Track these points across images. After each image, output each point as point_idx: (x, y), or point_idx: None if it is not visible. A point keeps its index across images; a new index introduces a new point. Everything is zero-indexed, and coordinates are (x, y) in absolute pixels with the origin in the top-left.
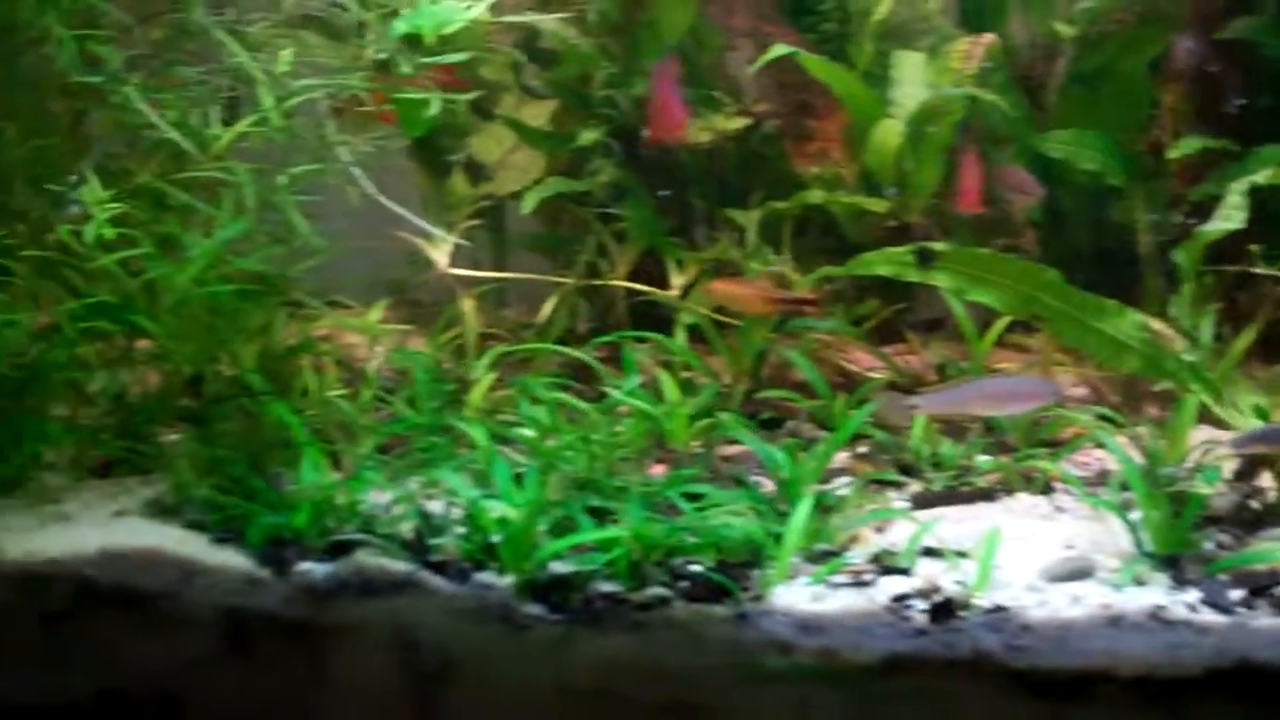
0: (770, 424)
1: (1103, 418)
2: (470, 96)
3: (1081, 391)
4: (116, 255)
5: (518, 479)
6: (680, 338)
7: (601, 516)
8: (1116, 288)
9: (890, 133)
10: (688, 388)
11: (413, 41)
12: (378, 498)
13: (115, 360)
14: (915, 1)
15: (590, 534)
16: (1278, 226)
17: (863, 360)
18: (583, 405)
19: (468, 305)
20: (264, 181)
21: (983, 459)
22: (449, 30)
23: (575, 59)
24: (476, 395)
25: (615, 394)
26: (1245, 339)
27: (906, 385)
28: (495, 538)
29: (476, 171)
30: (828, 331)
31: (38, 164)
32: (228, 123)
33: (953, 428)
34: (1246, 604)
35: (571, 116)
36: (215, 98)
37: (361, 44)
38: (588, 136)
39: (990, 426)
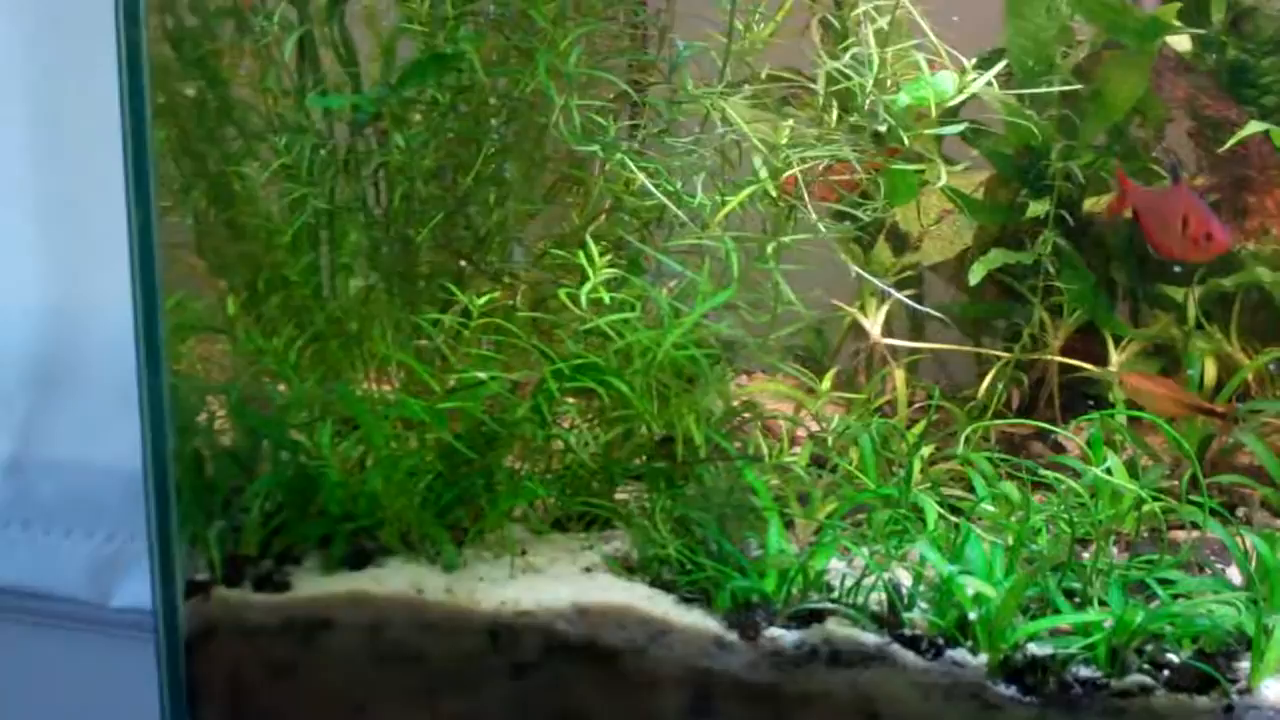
0: (1222, 510)
1: None
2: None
3: None
4: (608, 318)
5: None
6: (1120, 418)
7: (1071, 598)
8: None
9: None
10: (1132, 469)
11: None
12: (840, 567)
13: (589, 418)
14: None
15: (1071, 616)
16: None
17: None
18: (1050, 482)
19: (899, 375)
20: (748, 249)
21: None
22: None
23: (1018, 131)
24: (915, 467)
25: (1094, 472)
26: None
27: None
28: (971, 615)
29: (900, 240)
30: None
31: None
32: (721, 193)
33: None
34: None
35: (1006, 188)
36: (703, 167)
37: (859, 117)
38: (1036, 208)
39: None
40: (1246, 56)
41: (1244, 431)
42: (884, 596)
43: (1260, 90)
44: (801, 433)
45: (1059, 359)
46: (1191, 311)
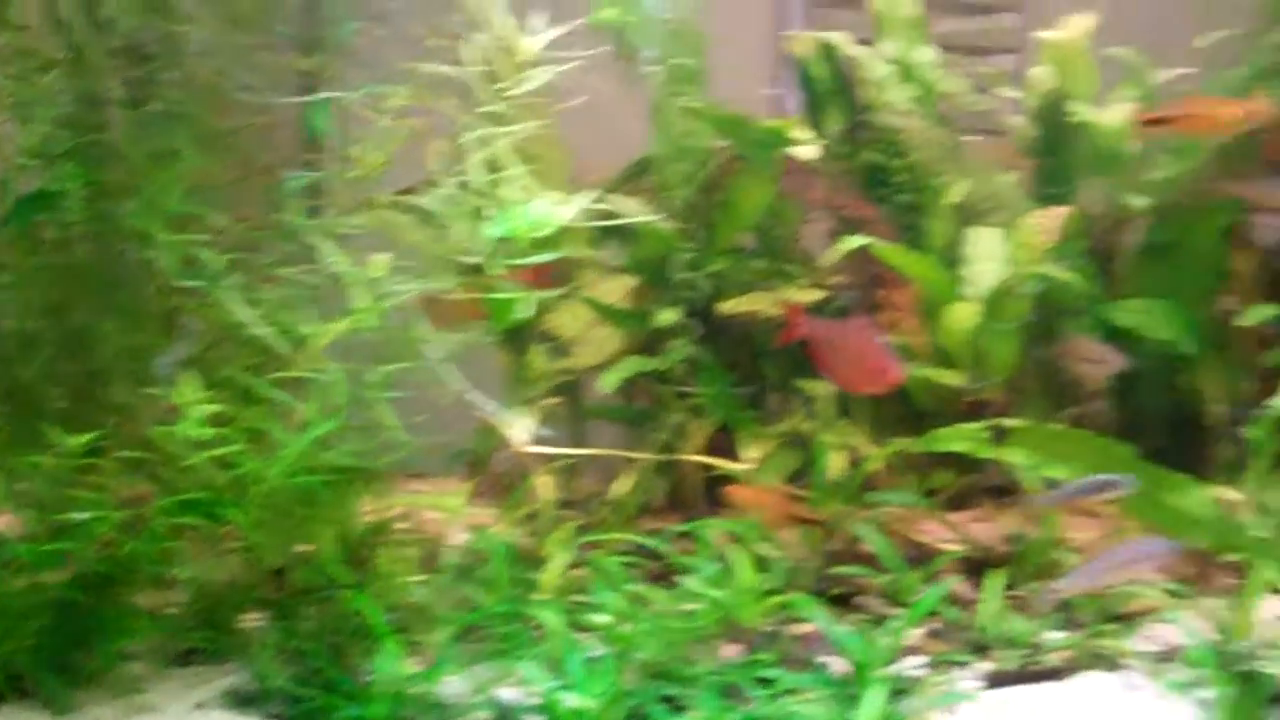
0: (841, 599)
1: (1174, 592)
2: (555, 294)
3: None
4: (208, 454)
5: (593, 666)
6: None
7: (674, 704)
8: (1190, 455)
9: (964, 314)
10: (761, 563)
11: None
12: (455, 687)
13: (200, 551)
14: (990, 179)
15: None
16: None
17: (935, 531)
18: (655, 590)
19: (543, 482)
20: (355, 377)
21: (1054, 635)
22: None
23: (654, 239)
24: (551, 576)
25: (687, 583)
26: None
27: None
28: None
29: (555, 346)
30: (900, 504)
31: (132, 360)
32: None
33: (1023, 603)
34: None
35: (649, 294)
36: (311, 297)
37: (454, 246)
38: (666, 316)
39: (1063, 601)
40: (879, 158)
41: (862, 523)
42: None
43: (893, 189)
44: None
45: (698, 459)
46: (824, 406)
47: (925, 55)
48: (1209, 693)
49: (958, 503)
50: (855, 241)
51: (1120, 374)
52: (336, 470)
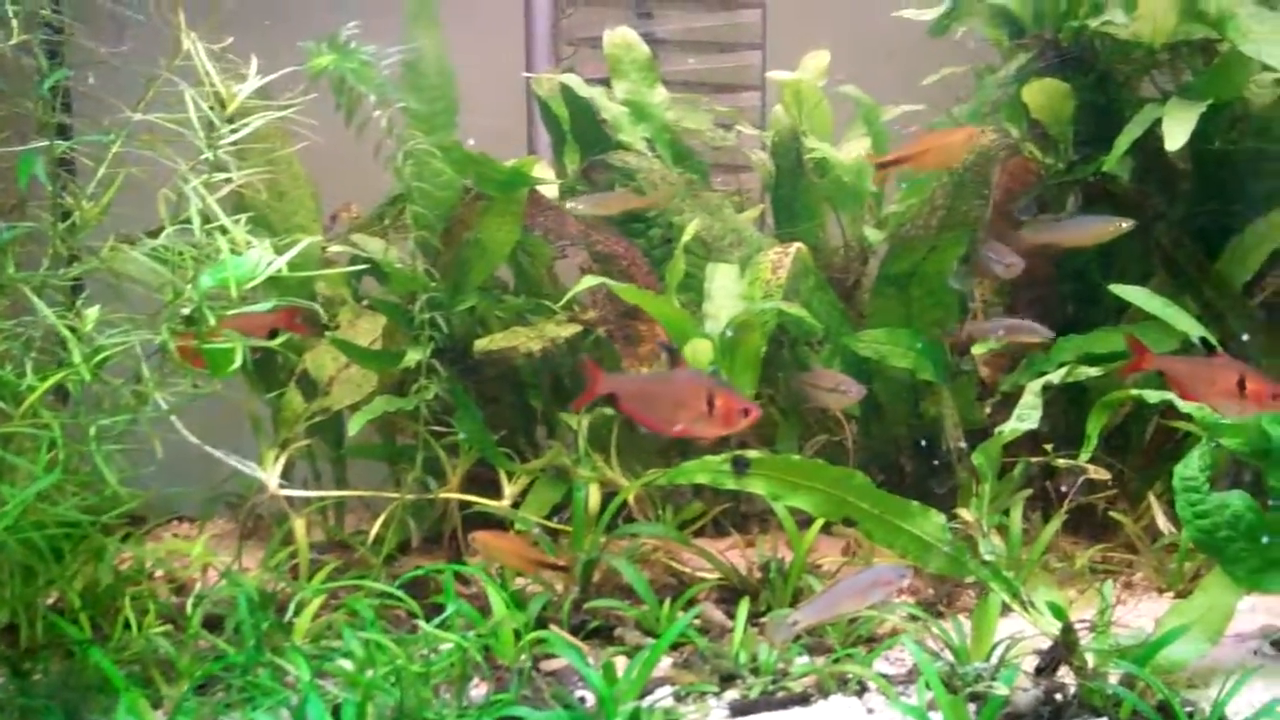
0: (600, 632)
1: (915, 615)
2: (276, 343)
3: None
4: None
5: (337, 713)
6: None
7: None
8: (933, 480)
9: (701, 350)
10: (518, 599)
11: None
12: None
13: None
14: (727, 215)
15: None
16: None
17: (692, 561)
18: (404, 634)
19: (299, 525)
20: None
21: (801, 662)
22: (254, 283)
23: (401, 279)
24: (303, 621)
25: (426, 628)
26: (1050, 529)
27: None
28: None
29: (311, 386)
30: (654, 535)
31: None
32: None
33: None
34: None
35: (401, 334)
36: (29, 350)
37: (167, 299)
38: (412, 356)
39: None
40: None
41: (616, 556)
42: None
43: (647, 224)
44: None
45: (454, 495)
46: (580, 438)
47: (658, 95)
48: (940, 715)
49: (722, 530)
50: (591, 280)
51: (867, 403)
52: (65, 524)
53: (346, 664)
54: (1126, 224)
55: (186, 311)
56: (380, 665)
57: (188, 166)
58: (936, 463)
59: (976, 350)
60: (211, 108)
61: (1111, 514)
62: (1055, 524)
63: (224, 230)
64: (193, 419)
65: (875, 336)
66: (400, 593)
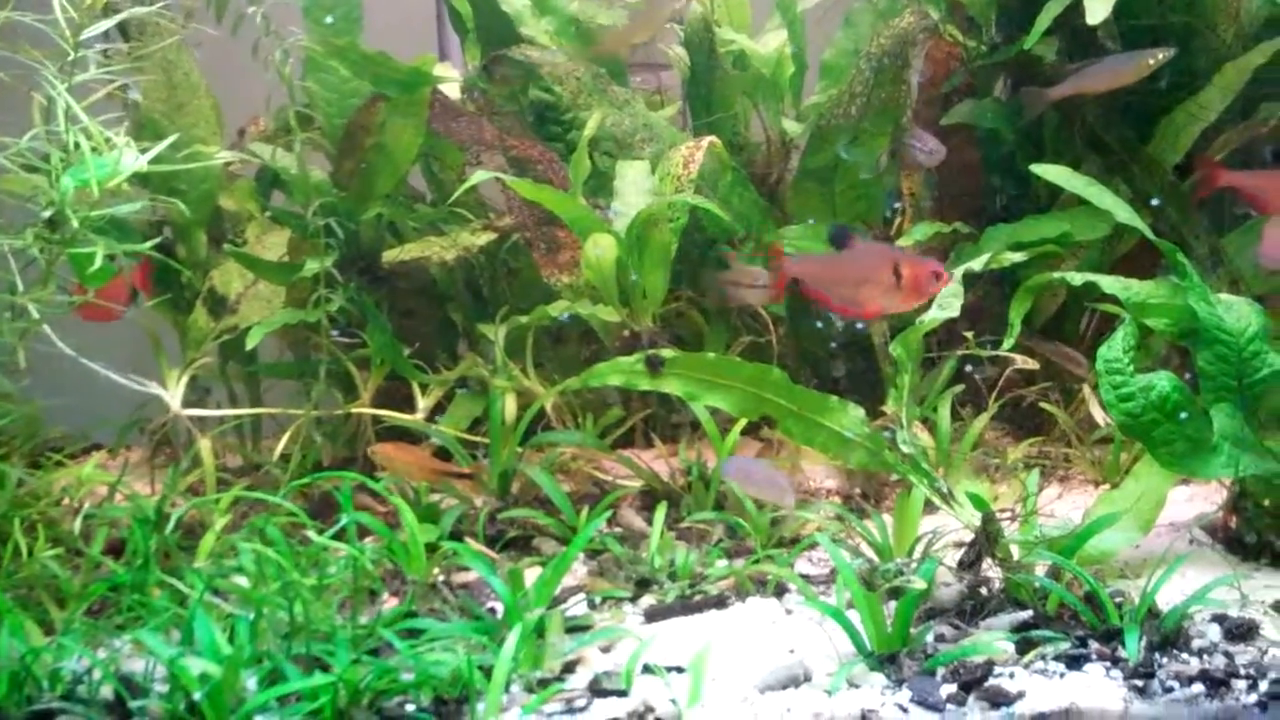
0: (517, 543)
1: (842, 514)
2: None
3: (831, 484)
4: None
5: (232, 631)
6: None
7: (315, 663)
8: (864, 378)
9: (604, 245)
10: (431, 513)
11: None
12: (85, 663)
13: None
14: (638, 111)
15: (295, 684)
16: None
17: (615, 469)
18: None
19: (204, 446)
20: None
21: (720, 565)
22: (117, 181)
23: (301, 188)
24: (206, 542)
25: (319, 540)
26: (980, 422)
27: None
28: (196, 695)
29: (219, 304)
30: (577, 444)
31: None
32: None
33: (691, 534)
34: (958, 700)
35: (304, 246)
36: None
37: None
38: (311, 267)
39: (732, 529)
40: (548, 96)
41: (531, 466)
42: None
43: (565, 127)
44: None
45: (365, 410)
46: (498, 351)
47: None
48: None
49: (649, 438)
50: (482, 175)
51: (796, 302)
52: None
53: (243, 581)
54: (1163, 55)
55: (48, 215)
56: (273, 581)
57: (56, 69)
58: (867, 360)
59: (903, 242)
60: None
61: (1043, 405)
62: (985, 418)
63: (88, 133)
64: (102, 343)
65: (796, 232)
66: (292, 505)
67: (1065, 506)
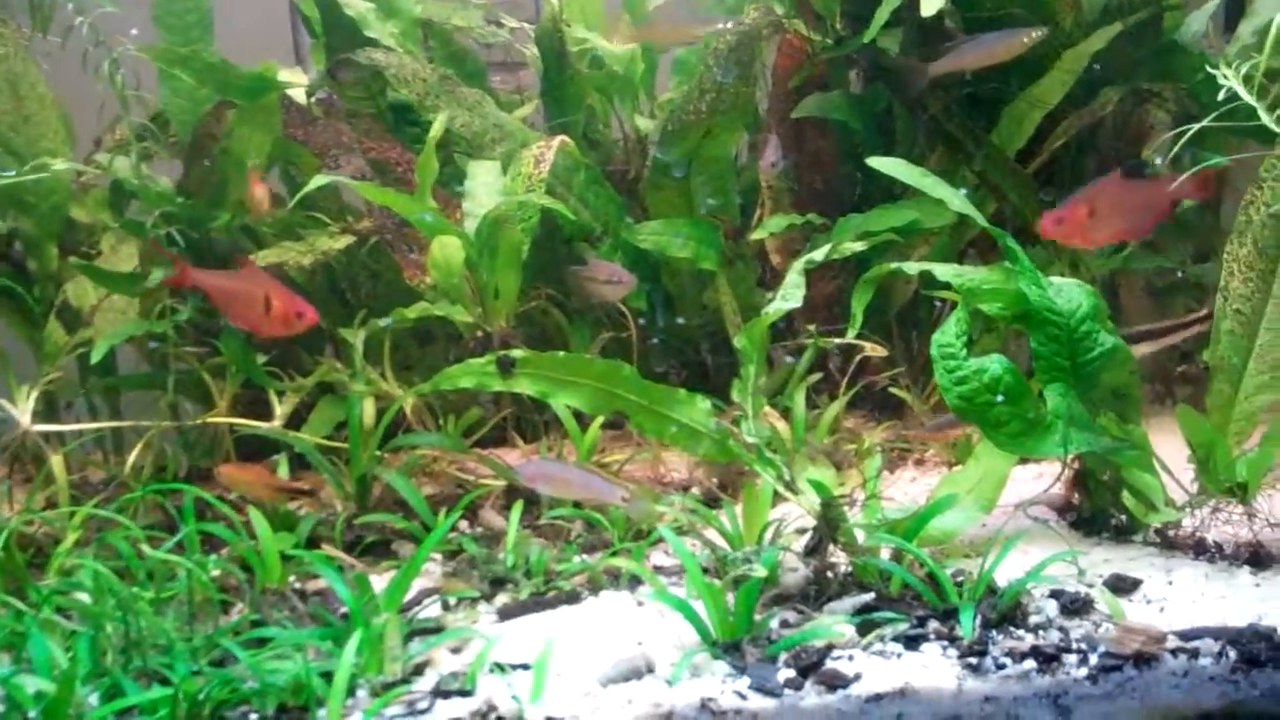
0: (375, 547)
1: (693, 505)
2: None
3: (696, 475)
4: None
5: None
6: (283, 469)
7: (155, 676)
8: (725, 370)
9: (449, 247)
10: (286, 521)
11: None
12: None
13: None
14: (488, 111)
15: (133, 698)
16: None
17: (478, 470)
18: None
19: (55, 462)
20: None
21: (576, 560)
22: None
23: (149, 197)
24: (56, 559)
25: (152, 553)
26: (832, 411)
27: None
28: (32, 713)
29: (75, 317)
30: (437, 446)
31: None
32: None
33: (548, 532)
34: (795, 685)
35: (155, 255)
36: None
37: None
38: (156, 276)
39: (591, 524)
40: (407, 98)
41: (388, 470)
42: None
43: (424, 128)
44: None
45: (220, 420)
46: (356, 355)
47: None
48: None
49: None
50: (320, 179)
51: (658, 296)
52: None
53: (85, 597)
54: (1036, 33)
55: None
56: (116, 595)
57: None
58: (730, 353)
59: (756, 235)
60: None
61: (893, 391)
62: (837, 406)
63: None
64: None
65: (652, 228)
66: (128, 521)
67: (918, 489)
